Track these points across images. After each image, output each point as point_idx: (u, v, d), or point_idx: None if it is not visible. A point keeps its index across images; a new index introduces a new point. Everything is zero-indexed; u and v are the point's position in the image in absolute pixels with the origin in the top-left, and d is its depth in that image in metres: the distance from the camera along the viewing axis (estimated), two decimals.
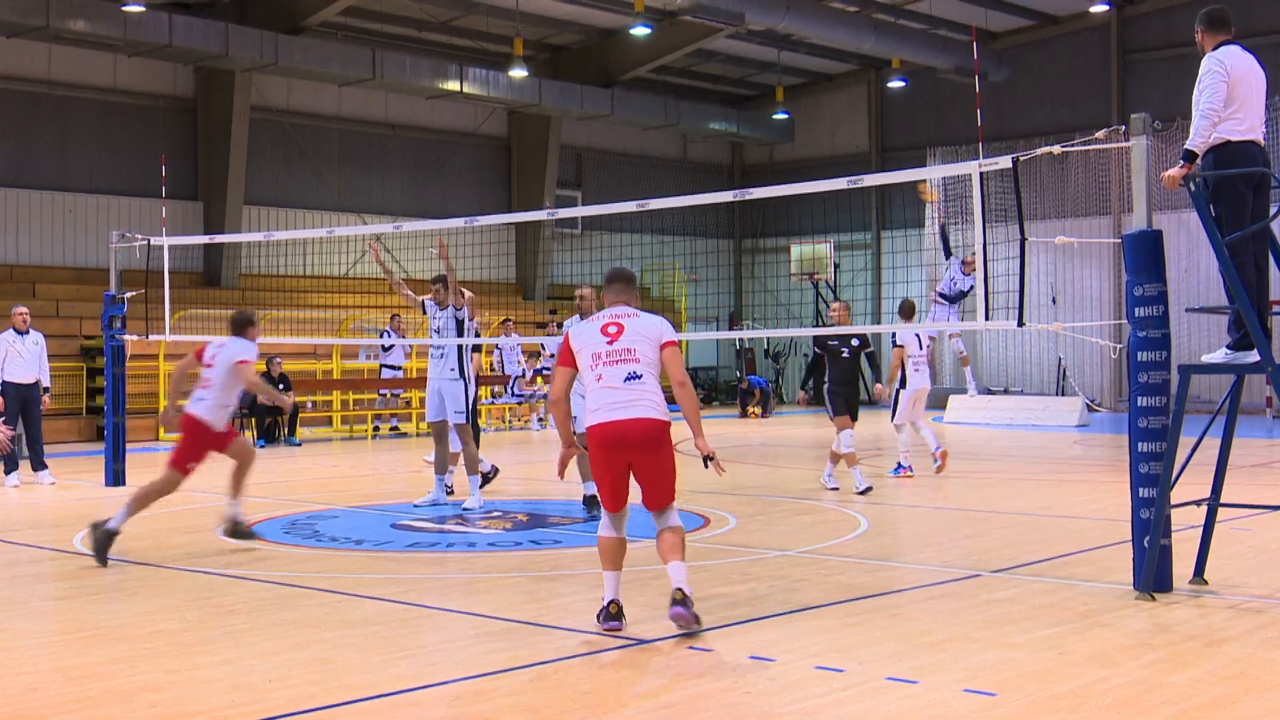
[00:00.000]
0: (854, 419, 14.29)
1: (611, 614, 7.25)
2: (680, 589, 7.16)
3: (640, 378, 7.27)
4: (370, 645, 7.16)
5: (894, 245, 35.15)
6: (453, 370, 13.21)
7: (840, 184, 11.31)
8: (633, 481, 7.46)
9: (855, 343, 14.32)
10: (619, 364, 7.28)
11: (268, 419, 22.86)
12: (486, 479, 13.46)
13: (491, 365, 26.54)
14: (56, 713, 5.86)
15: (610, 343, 7.36)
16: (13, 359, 16.05)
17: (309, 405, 23.09)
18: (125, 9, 23.82)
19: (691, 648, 6.89)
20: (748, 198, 12.49)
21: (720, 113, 36.10)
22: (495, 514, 12.40)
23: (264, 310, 25.85)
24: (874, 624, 7.52)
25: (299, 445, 22.64)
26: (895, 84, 34.18)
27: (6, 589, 9.27)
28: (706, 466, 7.35)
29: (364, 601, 8.38)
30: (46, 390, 16.42)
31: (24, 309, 16.54)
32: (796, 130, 37.32)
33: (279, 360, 23.37)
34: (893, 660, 6.59)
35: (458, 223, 14.85)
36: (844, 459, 14.20)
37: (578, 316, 12.19)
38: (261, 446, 22.21)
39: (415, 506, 12.99)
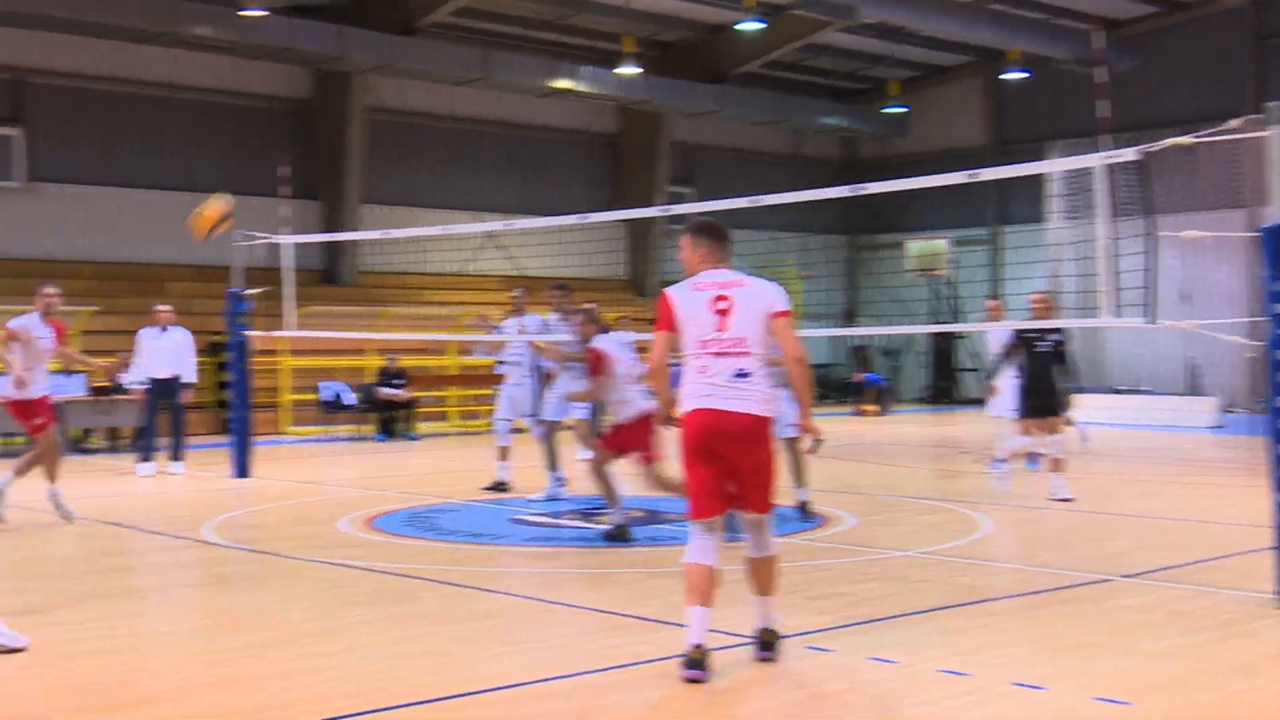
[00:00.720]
0: (1054, 417, 13.09)
1: (694, 660, 6.11)
2: (769, 629, 6.42)
3: (749, 375, 6.36)
4: (490, 638, 7.22)
5: (1014, 240, 34.59)
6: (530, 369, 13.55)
7: (958, 178, 11.00)
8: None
9: (1056, 337, 13.11)
10: (727, 357, 6.36)
11: (386, 414, 23.25)
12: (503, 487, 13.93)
13: None
14: (189, 696, 6.02)
15: (719, 328, 6.38)
16: (153, 354, 16.71)
17: (425, 400, 23.48)
18: (244, 14, 24.36)
19: (811, 647, 6.81)
20: (863, 193, 12.32)
21: (831, 108, 35.86)
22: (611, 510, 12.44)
23: (382, 307, 26.32)
24: (999, 628, 7.41)
25: (417, 440, 22.99)
26: (1013, 75, 33.60)
27: (142, 577, 9.59)
28: (811, 449, 6.90)
29: (483, 594, 8.45)
30: (187, 385, 16.89)
31: (165, 307, 17.23)
32: (910, 124, 36.92)
33: (396, 356, 23.75)
34: (1020, 665, 6.45)
35: (571, 219, 14.97)
36: (1015, 457, 13.76)
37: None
38: (381, 440, 22.60)
39: (530, 502, 13.12)
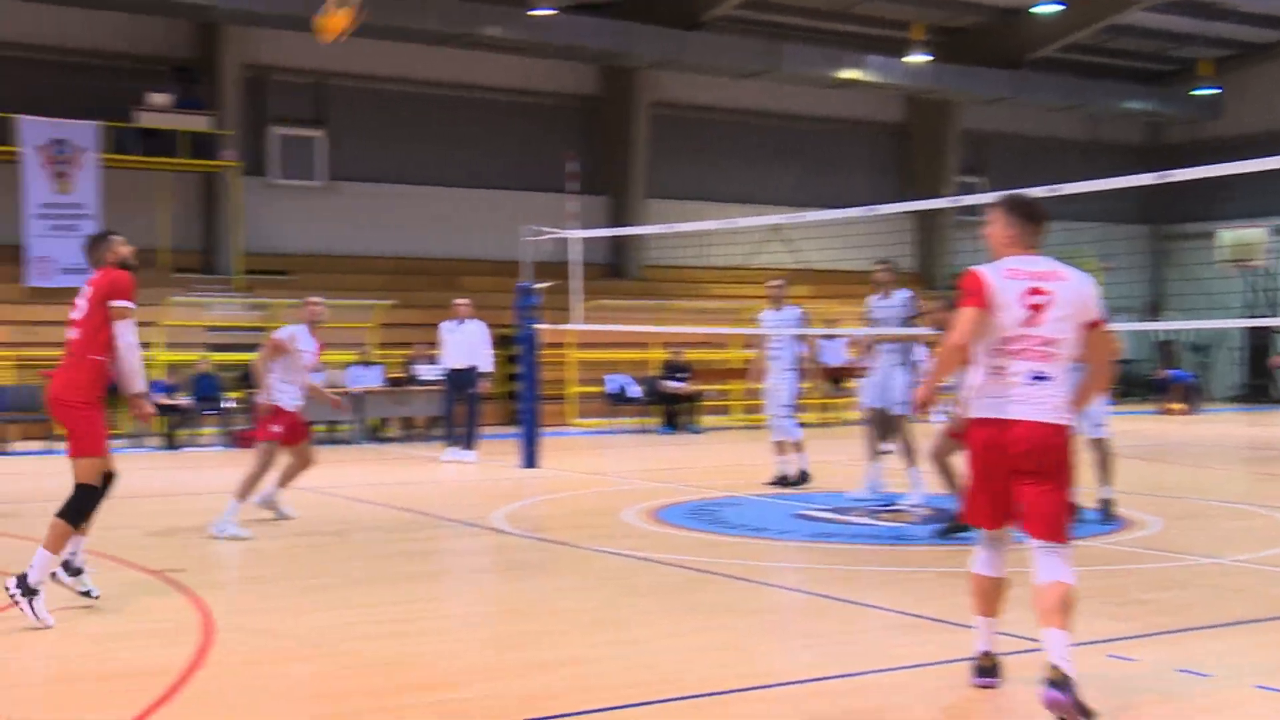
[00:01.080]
0: None
1: (984, 668, 5.89)
2: (1058, 666, 5.33)
3: (1050, 380, 5.57)
4: (776, 632, 7.19)
5: None
6: (900, 358, 12.46)
7: (1276, 164, 10.27)
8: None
9: None
10: (1029, 358, 5.56)
11: (670, 408, 23.40)
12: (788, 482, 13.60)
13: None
14: (478, 679, 6.14)
15: (1029, 323, 5.56)
16: (450, 346, 17.47)
17: (710, 395, 23.55)
18: (534, 13, 24.92)
19: (1113, 655, 6.48)
20: (1171, 179, 11.72)
21: (1134, 91, 34.36)
22: (899, 507, 12.17)
23: (666, 300, 26.52)
24: None
25: (700, 433, 23.06)
26: None
27: (435, 563, 9.87)
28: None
29: (769, 589, 8.42)
30: (484, 375, 17.51)
31: (463, 300, 17.91)
32: (1225, 105, 34.96)
33: (680, 349, 23.88)
34: None
35: (858, 212, 14.71)
36: None
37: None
38: (665, 433, 22.77)
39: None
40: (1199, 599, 8.05)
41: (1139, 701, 5.78)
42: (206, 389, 20.37)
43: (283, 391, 11.02)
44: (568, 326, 17.70)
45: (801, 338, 13.71)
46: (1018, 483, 5.59)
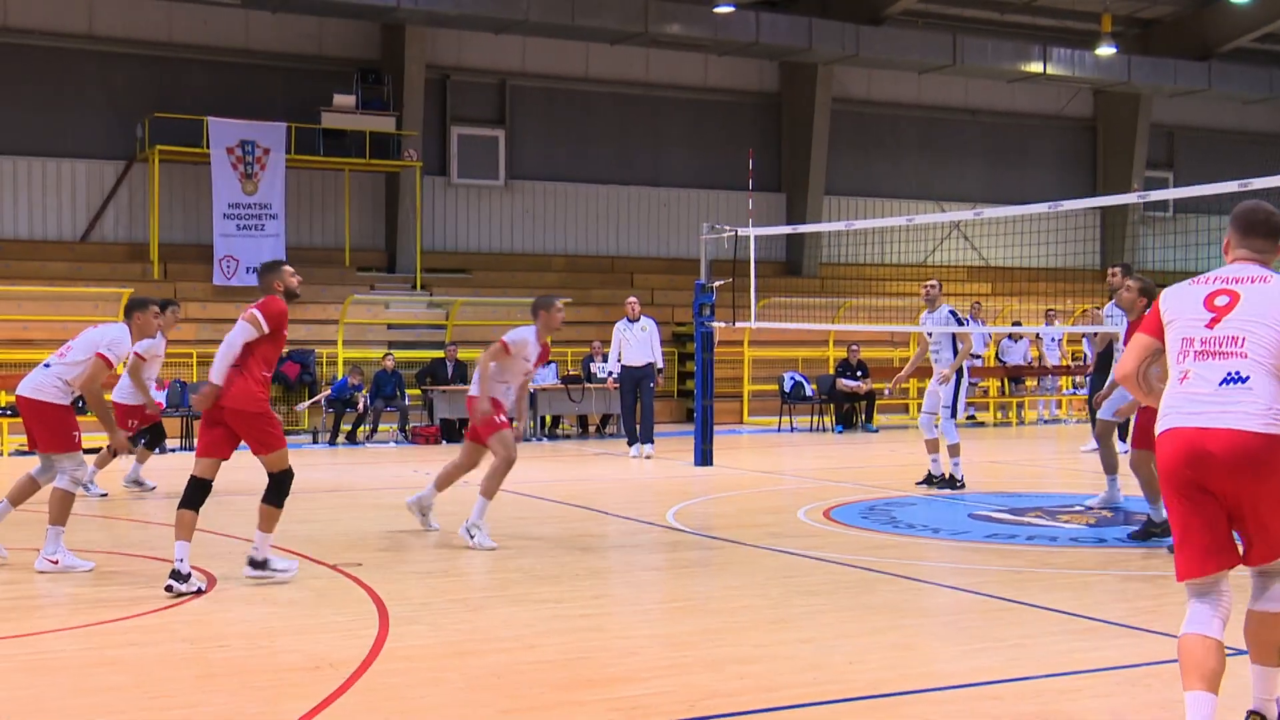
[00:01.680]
0: None
1: None
2: (1259, 713, 4.79)
3: (1245, 380, 4.72)
4: (949, 634, 7.10)
5: None
6: None
7: None
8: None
9: None
10: (1216, 358, 4.80)
11: (845, 406, 23.20)
12: (943, 482, 13.36)
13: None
14: (654, 675, 6.17)
15: (1211, 324, 4.85)
16: (626, 344, 17.79)
17: (886, 392, 23.25)
18: (716, 10, 24.94)
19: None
20: None
21: None
22: (1078, 508, 11.92)
23: (842, 298, 26.30)
24: None
25: (876, 431, 22.83)
26: None
27: (608, 559, 9.93)
28: None
29: (942, 590, 8.31)
30: (660, 371, 17.96)
31: (634, 299, 18.19)
32: None
33: (856, 347, 23.65)
34: None
35: (1041, 208, 14.38)
36: None
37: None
38: (839, 432, 22.59)
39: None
40: None
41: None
42: (387, 386, 20.82)
43: (494, 390, 10.55)
44: (743, 325, 17.68)
45: (960, 335, 13.44)
46: (1226, 508, 4.79)
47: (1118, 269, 11.82)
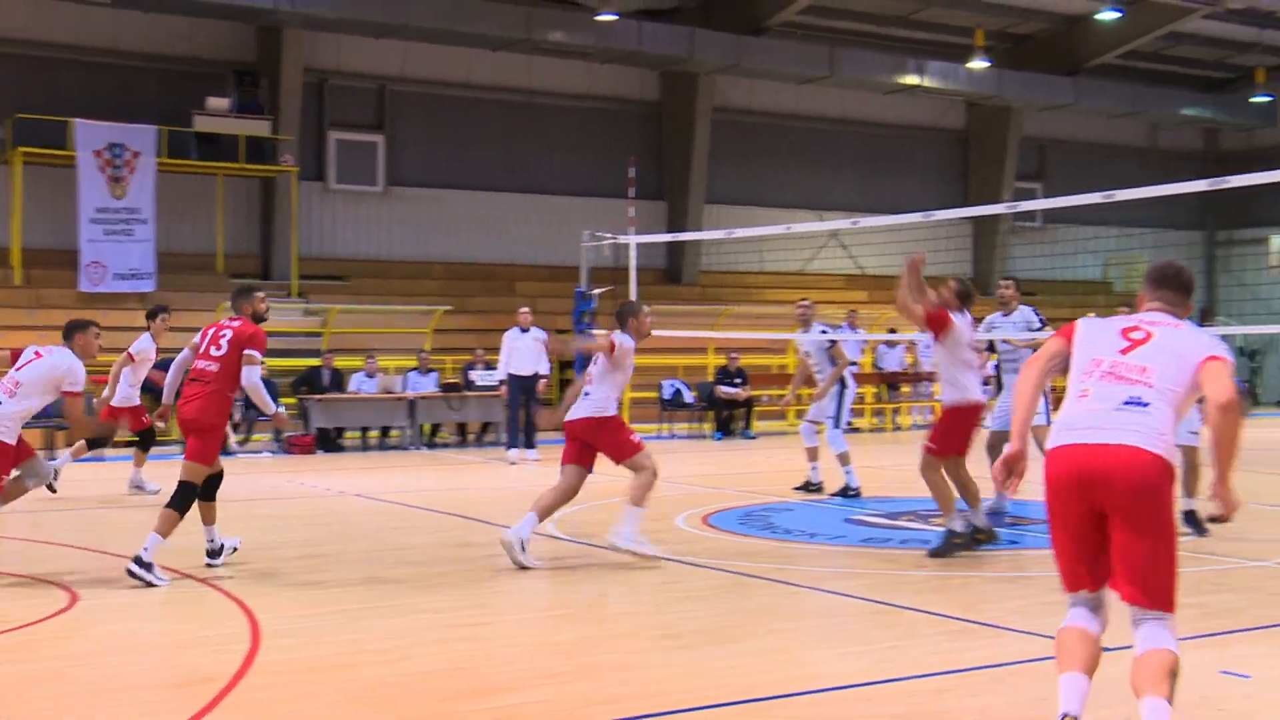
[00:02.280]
0: None
1: None
2: None
3: (1145, 405, 4.85)
4: (823, 637, 7.23)
5: None
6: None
7: None
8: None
9: None
10: (1121, 381, 4.92)
11: (724, 413, 23.38)
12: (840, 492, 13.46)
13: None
14: (533, 684, 6.20)
15: (1124, 351, 5.01)
16: (515, 353, 17.96)
17: (764, 399, 23.46)
18: (598, 18, 25.01)
19: None
20: (1224, 186, 11.75)
21: (1193, 98, 34.16)
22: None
23: (722, 305, 26.49)
24: None
25: (754, 438, 23.02)
26: None
27: (486, 567, 9.78)
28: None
29: (817, 594, 8.42)
30: (544, 379, 18.26)
31: (527, 309, 18.37)
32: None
33: (735, 355, 23.84)
34: None
35: (915, 217, 14.65)
36: None
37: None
38: (718, 439, 22.76)
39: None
40: (1244, 602, 8.08)
41: (1180, 703, 5.62)
42: None
43: (611, 400, 9.97)
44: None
45: (833, 351, 13.66)
46: (1109, 527, 4.86)
47: (1010, 282, 12.12)
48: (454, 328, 24.56)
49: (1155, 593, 4.76)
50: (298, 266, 25.01)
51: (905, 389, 26.38)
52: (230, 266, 24.96)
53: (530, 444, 18.31)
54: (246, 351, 9.11)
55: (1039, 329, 11.73)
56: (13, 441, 8.91)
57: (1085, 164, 34.66)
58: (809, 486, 13.85)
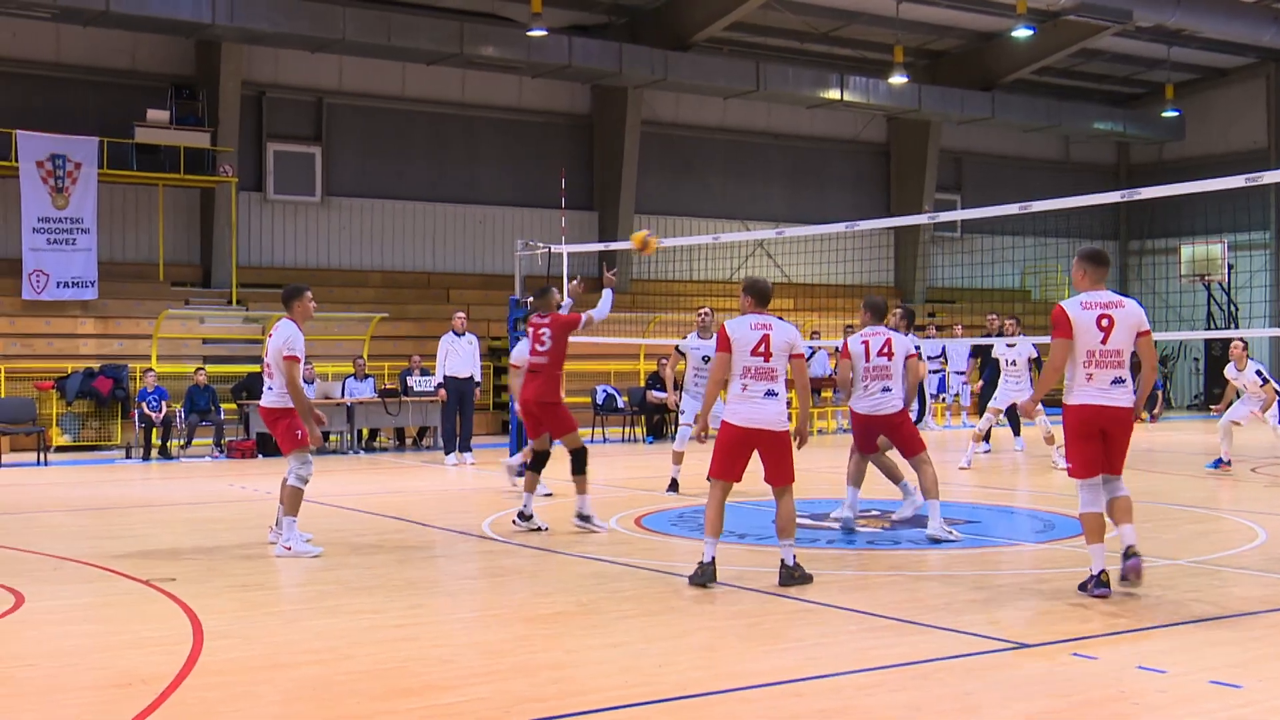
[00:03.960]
0: None
1: (1103, 582, 8.20)
2: (1133, 547, 8.35)
3: (1123, 382, 8.33)
4: (753, 635, 7.33)
5: None
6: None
7: (1236, 182, 10.85)
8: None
9: None
10: (1107, 367, 8.27)
11: (656, 417, 23.93)
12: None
13: None
14: (469, 683, 6.31)
15: (1103, 340, 8.29)
16: (452, 356, 18.40)
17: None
18: (529, 34, 25.54)
19: (1076, 654, 6.73)
20: (1136, 198, 12.08)
21: (1105, 112, 35.16)
22: (874, 513, 12.34)
23: (653, 313, 27.15)
24: (1273, 640, 7.19)
25: None
26: None
27: (424, 569, 10.00)
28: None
29: (746, 593, 8.50)
30: (478, 384, 18.83)
31: (462, 314, 18.85)
32: (1187, 128, 35.86)
33: (665, 361, 24.47)
34: None
35: (839, 228, 15.24)
36: None
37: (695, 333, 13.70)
38: (650, 443, 23.25)
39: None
40: (1159, 599, 8.24)
41: (1099, 698, 6.01)
42: (201, 401, 20.87)
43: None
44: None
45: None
46: (1111, 446, 8.43)
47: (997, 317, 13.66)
48: (391, 335, 25.01)
49: (1122, 467, 8.47)
50: (237, 275, 25.36)
51: (827, 394, 27.13)
52: (171, 275, 25.27)
53: (466, 447, 18.77)
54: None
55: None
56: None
57: (1001, 175, 35.66)
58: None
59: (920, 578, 9.24)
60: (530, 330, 11.87)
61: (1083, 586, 8.29)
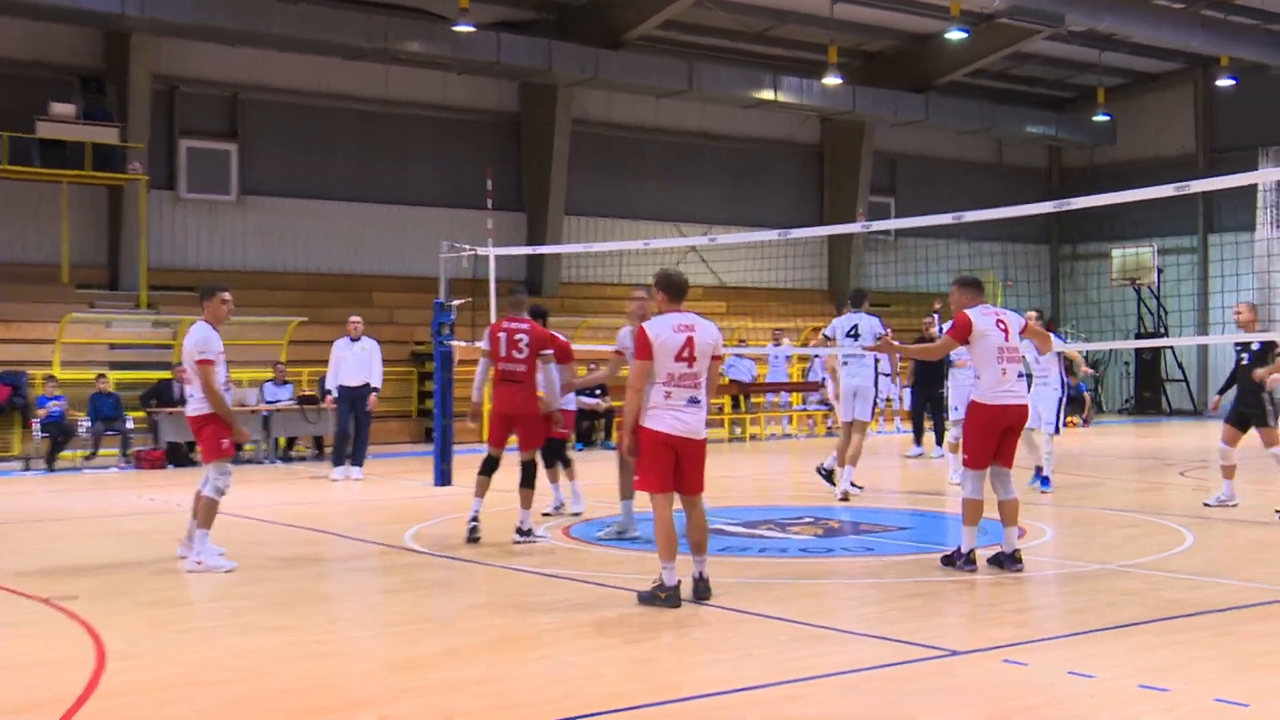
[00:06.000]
0: (1244, 429, 12.89)
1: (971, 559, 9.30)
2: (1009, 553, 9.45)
3: (1023, 376, 9.46)
4: (682, 647, 7.28)
5: (1223, 252, 33.35)
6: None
7: (1166, 191, 11.07)
8: None
9: (1257, 347, 12.68)
10: (1013, 362, 9.31)
11: (585, 424, 23.43)
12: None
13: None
14: (393, 699, 6.15)
15: (1006, 338, 9.32)
16: (344, 363, 17.35)
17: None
18: (456, 29, 24.92)
19: (1007, 660, 6.73)
20: (1068, 209, 12.26)
21: (1038, 116, 35.21)
22: (807, 519, 12.38)
23: (583, 318, 26.60)
24: (1201, 643, 7.22)
25: (614, 449, 23.08)
26: (1224, 83, 32.54)
27: (343, 582, 9.86)
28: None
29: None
30: (375, 391, 17.52)
31: (357, 318, 17.81)
32: (1119, 132, 35.97)
33: (595, 366, 23.92)
34: (1221, 681, 6.29)
35: (771, 234, 14.88)
36: (1223, 471, 13.19)
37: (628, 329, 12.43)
38: (579, 450, 22.80)
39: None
40: (1089, 604, 8.33)
41: (1031, 704, 6.00)
42: (106, 409, 20.01)
43: None
44: (482, 344, 17.67)
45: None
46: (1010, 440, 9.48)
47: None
48: (311, 339, 24.25)
49: (1012, 460, 9.53)
50: (147, 277, 24.45)
51: (758, 399, 26.73)
52: (76, 277, 24.33)
53: (358, 461, 17.55)
54: (543, 353, 11.40)
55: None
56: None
57: (935, 178, 35.55)
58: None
59: (853, 585, 9.33)
60: (503, 334, 11.29)
61: (948, 561, 9.29)
